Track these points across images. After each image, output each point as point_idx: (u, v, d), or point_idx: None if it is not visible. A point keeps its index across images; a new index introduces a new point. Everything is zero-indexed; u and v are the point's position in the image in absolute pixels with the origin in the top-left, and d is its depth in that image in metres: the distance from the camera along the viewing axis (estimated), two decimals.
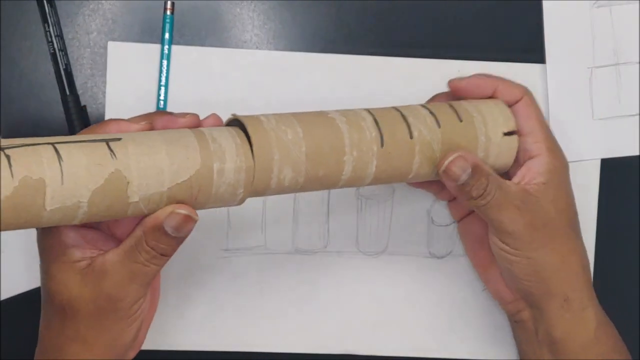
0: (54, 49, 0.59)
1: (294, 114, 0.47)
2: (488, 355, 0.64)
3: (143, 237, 0.44)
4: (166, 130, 0.45)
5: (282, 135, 0.45)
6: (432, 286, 0.63)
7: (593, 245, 0.62)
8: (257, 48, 0.61)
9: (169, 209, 0.43)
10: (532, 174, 0.51)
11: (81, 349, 0.46)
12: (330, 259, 0.62)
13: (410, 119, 0.49)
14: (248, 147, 0.45)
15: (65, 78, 0.59)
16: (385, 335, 0.63)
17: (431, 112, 0.50)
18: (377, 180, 0.49)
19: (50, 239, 0.45)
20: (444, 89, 0.57)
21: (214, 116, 0.47)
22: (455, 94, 0.55)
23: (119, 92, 0.60)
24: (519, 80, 0.60)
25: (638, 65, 0.62)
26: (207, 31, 0.61)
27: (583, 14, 0.61)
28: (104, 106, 0.60)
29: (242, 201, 0.46)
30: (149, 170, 0.41)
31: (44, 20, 0.59)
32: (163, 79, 0.60)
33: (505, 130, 0.52)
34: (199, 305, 0.61)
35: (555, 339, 0.54)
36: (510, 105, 0.53)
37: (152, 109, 0.60)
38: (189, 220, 0.43)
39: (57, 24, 0.59)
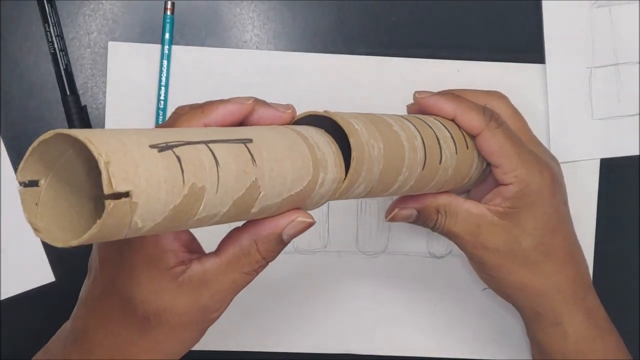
0: (55, 49, 0.59)
1: (371, 120, 0.44)
2: (488, 355, 0.64)
3: (254, 245, 0.41)
4: (275, 129, 0.40)
5: (371, 151, 0.42)
6: (432, 286, 0.63)
7: (592, 245, 0.63)
8: (257, 48, 0.61)
9: (291, 216, 0.40)
10: (499, 199, 0.51)
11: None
12: (330, 259, 0.62)
13: (442, 142, 0.48)
14: (342, 157, 0.41)
15: (66, 78, 0.59)
16: (385, 335, 0.63)
17: (452, 137, 0.49)
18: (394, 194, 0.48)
19: (143, 241, 0.40)
20: (444, 88, 0.57)
21: (294, 108, 0.43)
22: (418, 111, 0.52)
23: (119, 92, 0.60)
24: (519, 80, 0.60)
25: (638, 65, 0.62)
26: (207, 31, 0.61)
27: (583, 14, 0.61)
28: (104, 106, 0.60)
29: (316, 207, 0.43)
30: (277, 179, 0.37)
31: (45, 20, 0.59)
32: (163, 79, 0.60)
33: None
34: None
35: (537, 341, 0.55)
36: (473, 135, 0.50)
37: (152, 109, 0.60)
38: (309, 227, 0.41)
39: (58, 24, 0.60)
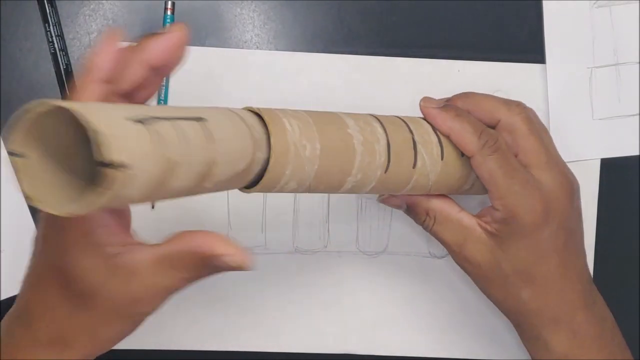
0: (55, 49, 0.59)
1: (315, 120, 0.45)
2: (488, 355, 0.64)
3: (193, 252, 0.40)
4: (216, 108, 0.40)
5: (301, 151, 0.43)
6: (431, 286, 0.63)
7: (593, 245, 0.63)
8: (257, 48, 0.61)
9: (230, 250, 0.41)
10: (489, 217, 0.51)
11: (88, 341, 0.41)
12: (330, 259, 0.62)
13: (419, 147, 0.48)
14: (268, 140, 0.42)
15: (66, 78, 0.59)
16: (385, 335, 0.63)
17: (440, 143, 0.49)
18: (363, 195, 0.49)
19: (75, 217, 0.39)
20: (444, 88, 0.57)
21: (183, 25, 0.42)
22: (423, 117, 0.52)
23: None
24: (519, 80, 0.60)
25: (638, 65, 0.62)
26: (207, 31, 0.61)
27: (583, 14, 0.61)
28: None
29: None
30: (228, 156, 0.38)
31: (45, 20, 0.59)
32: (163, 79, 0.60)
33: None
34: (198, 305, 0.61)
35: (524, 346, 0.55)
36: (467, 156, 0.50)
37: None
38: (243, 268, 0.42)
39: (58, 23, 0.60)
